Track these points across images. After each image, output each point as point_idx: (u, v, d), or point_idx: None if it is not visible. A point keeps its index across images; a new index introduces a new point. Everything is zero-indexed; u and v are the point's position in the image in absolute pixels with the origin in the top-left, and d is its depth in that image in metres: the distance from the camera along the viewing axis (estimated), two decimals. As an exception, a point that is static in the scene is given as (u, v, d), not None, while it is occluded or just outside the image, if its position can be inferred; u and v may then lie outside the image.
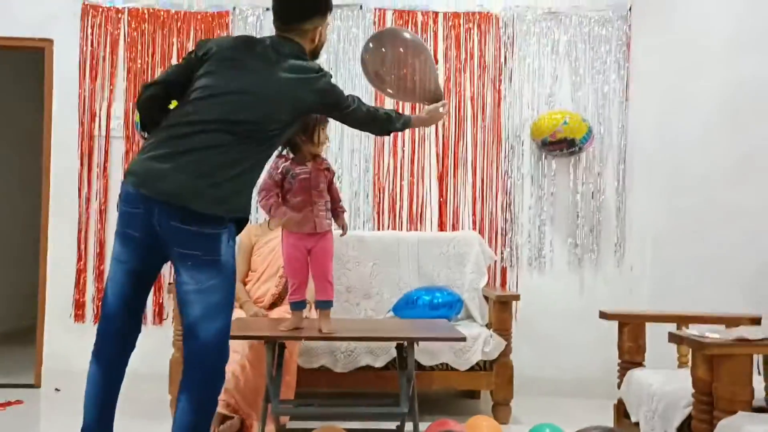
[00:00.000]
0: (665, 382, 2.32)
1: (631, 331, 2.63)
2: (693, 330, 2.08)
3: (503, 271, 4.16)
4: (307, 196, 2.69)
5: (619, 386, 2.66)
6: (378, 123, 2.51)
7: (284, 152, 2.74)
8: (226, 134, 2.12)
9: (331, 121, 4.02)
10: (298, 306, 2.79)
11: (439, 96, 2.70)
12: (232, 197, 2.13)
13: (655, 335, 2.67)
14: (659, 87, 3.90)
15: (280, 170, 2.72)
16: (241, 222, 2.23)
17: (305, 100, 2.27)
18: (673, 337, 2.11)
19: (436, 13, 4.21)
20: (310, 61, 2.35)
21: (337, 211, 2.83)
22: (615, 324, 2.70)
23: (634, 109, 4.17)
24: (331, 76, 2.36)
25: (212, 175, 2.08)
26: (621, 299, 4.07)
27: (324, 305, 2.79)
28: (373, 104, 4.07)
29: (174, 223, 2.06)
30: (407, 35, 2.83)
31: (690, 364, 2.53)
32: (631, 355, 2.63)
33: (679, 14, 3.74)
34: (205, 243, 2.08)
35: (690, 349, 2.15)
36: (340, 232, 2.87)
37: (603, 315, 2.71)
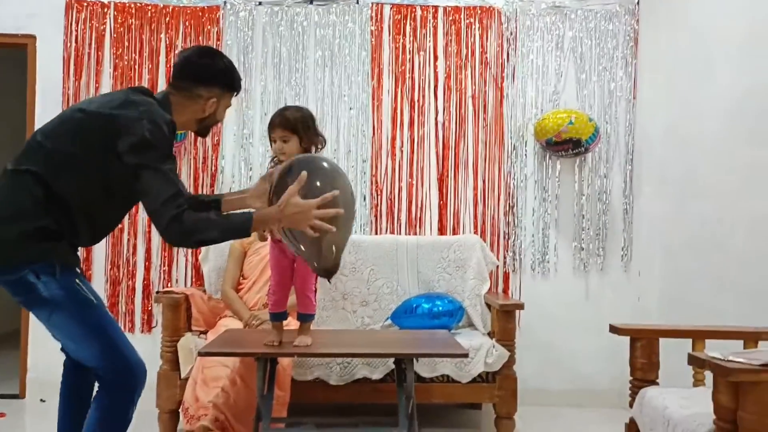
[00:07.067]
0: (682, 405, 2.16)
1: (644, 348, 2.46)
2: (715, 352, 1.92)
3: (506, 276, 4.01)
4: None
5: (631, 405, 2.51)
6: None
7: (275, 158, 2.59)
8: None
9: (328, 120, 3.95)
10: (279, 317, 2.62)
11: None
12: None
13: (668, 347, 2.52)
14: (669, 84, 3.74)
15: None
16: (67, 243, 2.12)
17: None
18: (694, 360, 1.96)
19: (436, 8, 4.03)
20: (148, 102, 2.12)
21: None
22: (623, 334, 2.55)
23: (642, 107, 4.00)
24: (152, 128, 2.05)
25: None
26: (628, 306, 3.92)
27: (304, 318, 2.64)
28: (370, 101, 3.97)
29: None
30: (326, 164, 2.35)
31: (706, 382, 2.42)
32: (644, 373, 2.47)
33: (691, 8, 3.56)
34: (17, 290, 2.06)
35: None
36: None
37: (614, 329, 2.55)
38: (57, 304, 2.04)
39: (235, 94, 2.36)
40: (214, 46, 3.96)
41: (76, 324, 2.08)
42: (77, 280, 2.10)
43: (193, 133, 2.46)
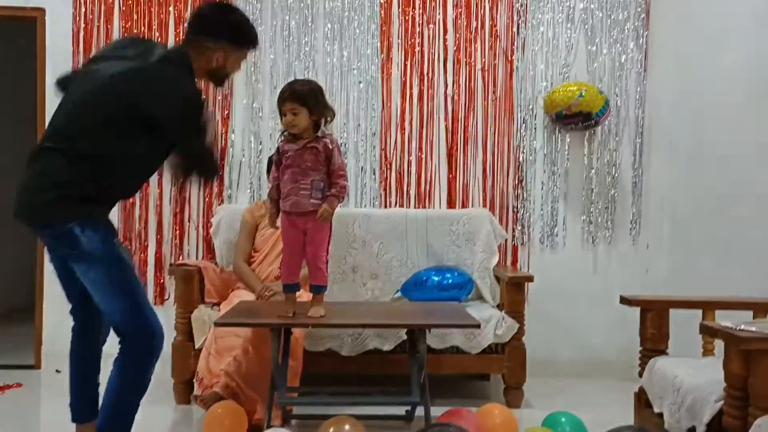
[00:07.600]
0: (692, 374, 2.20)
1: (654, 318, 2.50)
2: (726, 321, 1.95)
3: (514, 249, 4.03)
4: (291, 175, 2.56)
5: (640, 374, 2.55)
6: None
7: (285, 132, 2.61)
8: None
9: (337, 94, 3.95)
10: (292, 289, 2.67)
11: None
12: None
13: (676, 319, 2.55)
14: (680, 57, 3.73)
15: (276, 149, 2.63)
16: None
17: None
18: (706, 330, 1.99)
19: (446, -20, 4.01)
20: (179, 72, 2.21)
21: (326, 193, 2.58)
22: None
23: (652, 80, 3.99)
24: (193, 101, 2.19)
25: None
26: (637, 279, 3.95)
27: (316, 290, 2.67)
28: (380, 75, 3.97)
29: (37, 232, 2.25)
30: None
31: (715, 352, 2.45)
32: (654, 343, 2.51)
33: (703, -20, 3.54)
34: (60, 242, 2.17)
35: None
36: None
37: (624, 300, 2.58)
38: (96, 258, 2.15)
39: (252, 48, 2.41)
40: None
41: (109, 279, 2.18)
42: (115, 240, 2.23)
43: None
